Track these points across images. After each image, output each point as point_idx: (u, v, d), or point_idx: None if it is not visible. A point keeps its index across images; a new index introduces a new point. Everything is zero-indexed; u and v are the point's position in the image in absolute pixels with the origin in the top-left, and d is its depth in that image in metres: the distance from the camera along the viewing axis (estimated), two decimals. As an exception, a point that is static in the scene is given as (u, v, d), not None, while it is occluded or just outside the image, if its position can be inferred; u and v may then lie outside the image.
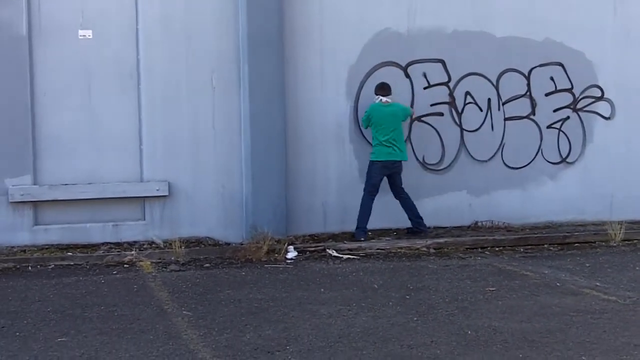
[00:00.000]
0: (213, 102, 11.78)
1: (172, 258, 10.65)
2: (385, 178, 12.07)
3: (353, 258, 11.00)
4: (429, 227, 12.37)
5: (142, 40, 11.50)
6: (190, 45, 11.65)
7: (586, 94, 13.75)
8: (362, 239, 11.78)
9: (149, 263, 10.50)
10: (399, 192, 12.15)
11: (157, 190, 11.43)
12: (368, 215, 11.95)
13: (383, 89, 12.09)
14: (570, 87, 13.66)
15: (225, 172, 11.80)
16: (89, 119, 11.45)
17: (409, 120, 12.54)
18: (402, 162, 12.08)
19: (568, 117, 13.66)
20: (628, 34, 13.90)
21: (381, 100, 12.00)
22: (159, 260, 10.63)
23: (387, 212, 12.41)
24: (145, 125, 11.54)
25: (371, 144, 12.18)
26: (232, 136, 11.83)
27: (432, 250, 11.56)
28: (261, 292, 8.93)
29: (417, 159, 12.82)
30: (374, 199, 12.00)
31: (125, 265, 10.47)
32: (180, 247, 10.73)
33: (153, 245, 11.22)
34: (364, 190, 12.01)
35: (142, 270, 10.15)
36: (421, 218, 12.22)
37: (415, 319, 7.81)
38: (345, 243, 11.58)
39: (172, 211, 11.59)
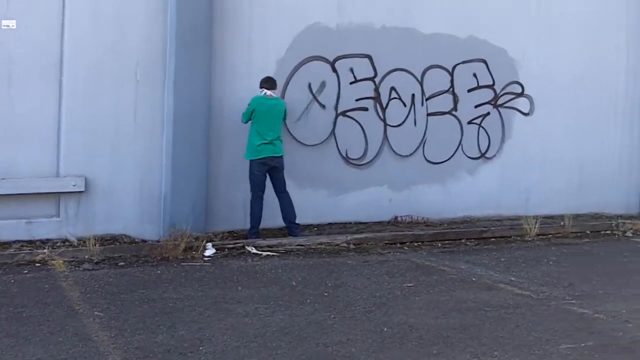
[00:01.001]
0: (136, 95, 11.50)
1: (86, 256, 10.38)
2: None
3: (272, 255, 10.94)
4: (349, 223, 12.46)
5: (67, 31, 11.13)
6: (117, 36, 11.31)
7: (507, 90, 14.01)
8: (254, 238, 11.59)
9: (62, 262, 10.20)
10: (279, 189, 11.81)
11: (74, 185, 11.11)
12: (258, 217, 11.64)
13: (268, 82, 11.81)
14: (492, 83, 13.86)
15: (145, 167, 11.56)
16: (7, 111, 10.99)
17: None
18: (282, 157, 11.74)
19: (488, 113, 13.87)
20: (549, 33, 14.23)
21: (265, 93, 11.72)
22: (72, 259, 10.34)
23: (307, 208, 12.37)
24: (65, 118, 11.19)
25: (296, 140, 12.23)
26: (154, 130, 11.58)
27: (352, 246, 11.57)
28: (176, 291, 8.82)
29: (341, 153, 12.83)
30: (262, 198, 11.67)
31: (37, 264, 10.13)
32: (95, 245, 10.48)
33: (67, 243, 10.95)
34: (251, 192, 11.67)
35: (54, 270, 9.87)
36: (293, 223, 11.83)
37: (332, 316, 7.82)
38: (264, 240, 11.49)
39: (87, 207, 11.27)
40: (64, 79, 11.21)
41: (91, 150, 11.32)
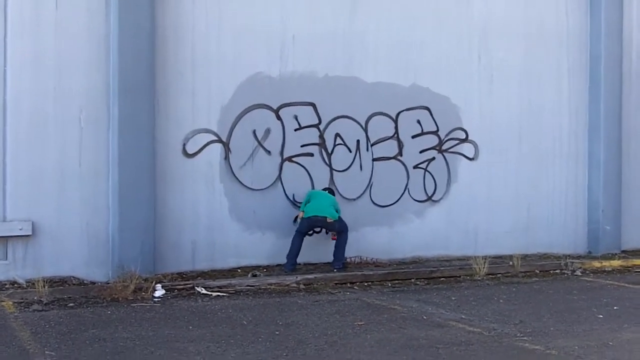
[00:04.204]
0: (81, 140, 11.48)
1: (35, 298, 10.28)
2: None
3: (222, 295, 10.91)
4: (298, 264, 12.50)
5: (10, 78, 11.11)
6: (60, 83, 11.33)
7: (451, 136, 14.21)
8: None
9: (11, 303, 10.09)
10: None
11: (21, 229, 11.04)
12: (295, 252, 12.38)
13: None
14: (436, 129, 14.06)
15: (92, 210, 11.50)
16: (-48, 157, 11.00)
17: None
18: (326, 218, 12.40)
19: (434, 158, 14.06)
20: (491, 80, 14.50)
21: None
22: (22, 300, 10.23)
23: (257, 250, 12.54)
24: (10, 163, 11.12)
25: (243, 184, 12.48)
26: (100, 174, 11.55)
27: (301, 286, 11.60)
28: (127, 330, 8.72)
29: (288, 197, 12.90)
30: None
31: (-15, 306, 10.07)
32: (44, 286, 10.37)
33: (15, 285, 10.80)
34: None
35: (4, 310, 9.73)
36: (335, 258, 12.57)
37: (284, 354, 7.78)
38: (214, 280, 11.46)
39: (35, 250, 11.18)
40: (8, 125, 11.13)
41: (37, 195, 11.26)
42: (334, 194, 12.92)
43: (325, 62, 13.18)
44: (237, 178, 12.50)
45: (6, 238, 11.09)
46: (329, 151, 13.28)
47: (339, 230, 12.65)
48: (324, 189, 12.95)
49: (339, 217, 12.61)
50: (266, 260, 12.62)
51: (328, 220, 12.41)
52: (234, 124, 12.52)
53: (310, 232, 12.74)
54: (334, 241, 12.73)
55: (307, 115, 13.11)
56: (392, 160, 13.77)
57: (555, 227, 15.06)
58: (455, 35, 14.24)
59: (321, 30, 13.15)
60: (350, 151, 13.46)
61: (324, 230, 12.91)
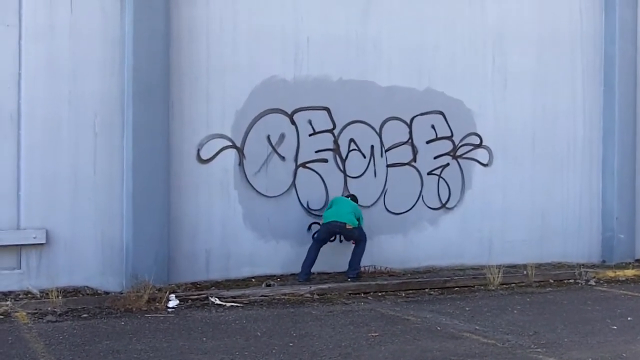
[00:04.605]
0: (95, 147, 11.47)
1: (49, 308, 10.27)
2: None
3: (236, 306, 10.88)
4: (312, 273, 12.47)
5: (24, 85, 11.09)
6: (75, 87, 11.31)
7: (465, 141, 14.17)
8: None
9: (25, 314, 10.08)
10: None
11: (34, 238, 11.03)
12: (310, 261, 12.38)
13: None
14: (450, 134, 14.01)
15: (106, 218, 11.49)
16: (-33, 165, 11.01)
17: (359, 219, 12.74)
18: (345, 224, 12.36)
19: (448, 164, 14.01)
20: (505, 84, 14.44)
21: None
22: (35, 311, 10.22)
23: (272, 259, 12.59)
24: (24, 171, 11.11)
25: (257, 191, 12.46)
26: (114, 181, 11.54)
27: (315, 296, 11.57)
28: (141, 342, 8.71)
29: (302, 204, 12.88)
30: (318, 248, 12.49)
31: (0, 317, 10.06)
32: (57, 297, 10.37)
33: (29, 295, 10.81)
34: None
35: (17, 321, 9.73)
36: (350, 267, 12.60)
37: (298, 367, 7.79)
38: (228, 290, 11.43)
39: (49, 259, 11.17)
40: (22, 132, 11.13)
41: (52, 203, 11.25)
42: (357, 201, 12.86)
43: (339, 65, 13.15)
44: (251, 185, 12.48)
45: (20, 247, 11.09)
46: (343, 157, 13.25)
47: (358, 239, 12.62)
48: (347, 196, 12.92)
49: (359, 226, 12.57)
50: (280, 270, 12.60)
51: (347, 226, 12.37)
52: (249, 128, 12.51)
53: (326, 240, 12.68)
54: (352, 247, 12.73)
55: (321, 120, 13.08)
56: (406, 167, 13.73)
57: (569, 235, 15.00)
58: (469, 38, 14.21)
59: (335, 33, 13.11)
60: (365, 157, 13.43)
61: (338, 239, 12.87)
